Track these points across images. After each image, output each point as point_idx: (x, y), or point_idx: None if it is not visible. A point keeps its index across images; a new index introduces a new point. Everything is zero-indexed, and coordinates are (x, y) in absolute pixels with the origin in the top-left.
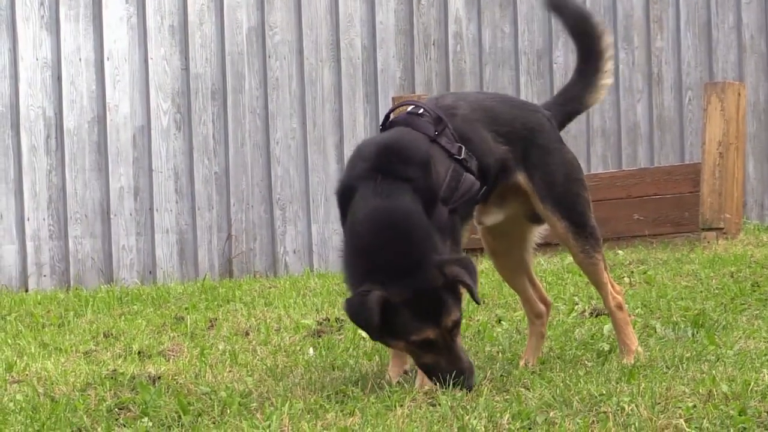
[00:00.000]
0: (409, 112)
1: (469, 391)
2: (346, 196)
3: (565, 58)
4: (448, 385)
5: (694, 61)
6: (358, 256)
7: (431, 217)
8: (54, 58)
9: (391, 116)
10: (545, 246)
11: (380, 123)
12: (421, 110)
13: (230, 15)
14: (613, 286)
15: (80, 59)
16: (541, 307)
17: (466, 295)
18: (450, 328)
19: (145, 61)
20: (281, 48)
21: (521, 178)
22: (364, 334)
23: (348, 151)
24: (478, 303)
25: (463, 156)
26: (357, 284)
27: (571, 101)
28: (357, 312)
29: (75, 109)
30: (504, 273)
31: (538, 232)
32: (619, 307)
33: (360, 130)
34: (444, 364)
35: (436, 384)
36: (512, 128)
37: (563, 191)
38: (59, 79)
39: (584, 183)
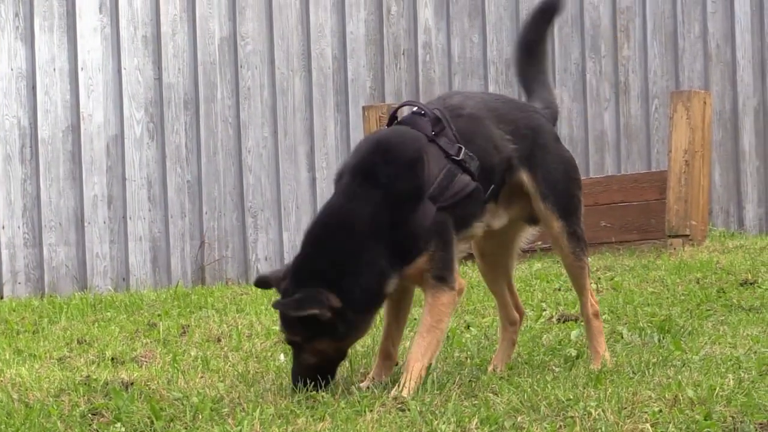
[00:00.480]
0: (413, 112)
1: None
2: (336, 182)
3: None
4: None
5: (661, 70)
6: (301, 249)
7: (406, 217)
8: (29, 68)
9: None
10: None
11: (386, 123)
12: (424, 111)
13: (202, 25)
14: (591, 294)
15: (54, 69)
16: (516, 314)
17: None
18: (290, 341)
19: (119, 71)
20: (253, 58)
21: (525, 176)
22: None
23: (319, 160)
24: (321, 333)
25: (461, 157)
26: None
27: (549, 106)
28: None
29: (49, 118)
30: (487, 276)
31: (526, 237)
32: (596, 315)
33: (331, 140)
34: (292, 365)
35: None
36: (516, 127)
37: (563, 190)
38: (34, 88)
39: (580, 183)
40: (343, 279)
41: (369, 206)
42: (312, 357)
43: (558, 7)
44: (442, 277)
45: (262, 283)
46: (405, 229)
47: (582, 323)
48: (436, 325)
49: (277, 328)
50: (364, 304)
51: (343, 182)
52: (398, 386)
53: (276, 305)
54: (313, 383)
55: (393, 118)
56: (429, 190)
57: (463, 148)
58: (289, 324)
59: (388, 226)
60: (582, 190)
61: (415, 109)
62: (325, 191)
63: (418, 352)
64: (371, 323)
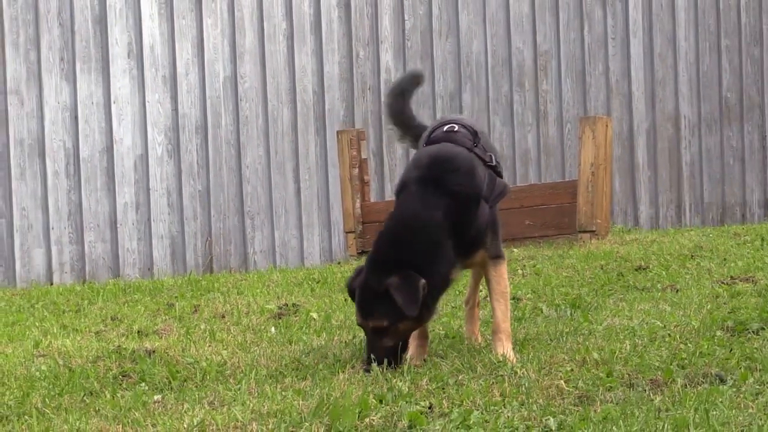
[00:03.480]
0: (445, 131)
1: (366, 372)
2: (398, 192)
3: (470, 98)
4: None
5: (572, 100)
6: (374, 248)
7: (472, 217)
8: (72, 102)
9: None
10: None
11: (424, 141)
12: (457, 128)
13: (210, 67)
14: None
15: (92, 102)
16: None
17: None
18: (371, 328)
19: (143, 104)
20: (250, 93)
21: None
22: (315, 315)
23: (303, 173)
24: (406, 315)
25: (495, 162)
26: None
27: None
28: (347, 284)
29: (88, 141)
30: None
31: None
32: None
33: (312, 157)
34: (365, 346)
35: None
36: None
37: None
38: (76, 118)
39: None
40: (424, 268)
41: (440, 209)
42: (393, 339)
43: (419, 82)
44: (498, 255)
45: (351, 292)
46: (469, 227)
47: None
48: (505, 290)
49: (357, 317)
50: (439, 289)
51: (413, 191)
52: (498, 347)
53: (396, 301)
54: (392, 363)
55: (429, 137)
56: (482, 193)
57: (493, 155)
58: (381, 308)
59: (455, 225)
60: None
61: (446, 128)
62: (307, 198)
63: (503, 315)
64: (439, 306)
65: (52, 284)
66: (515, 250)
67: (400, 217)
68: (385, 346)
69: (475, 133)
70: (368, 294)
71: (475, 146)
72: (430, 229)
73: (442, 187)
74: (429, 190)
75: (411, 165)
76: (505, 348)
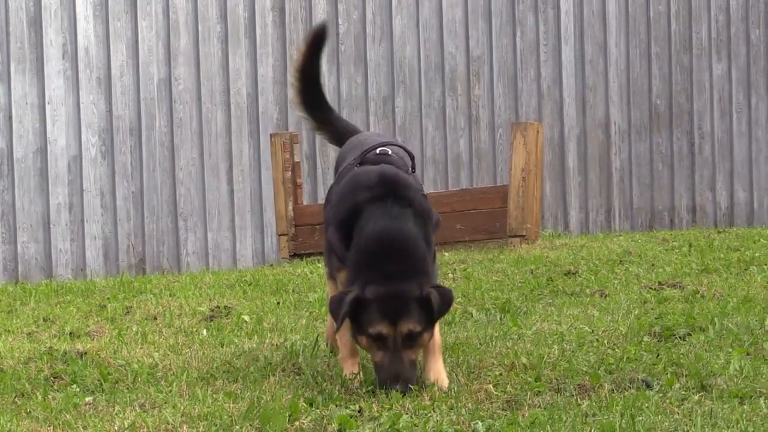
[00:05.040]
0: (378, 153)
1: (403, 395)
2: (351, 217)
3: (403, 102)
4: (384, 386)
5: (504, 105)
6: (360, 266)
7: (427, 236)
8: (6, 103)
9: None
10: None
11: (357, 162)
12: (390, 151)
13: (144, 69)
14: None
15: (27, 103)
16: None
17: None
18: (404, 333)
19: (78, 105)
20: (184, 95)
21: None
22: (247, 317)
23: (236, 175)
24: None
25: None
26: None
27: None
28: (333, 306)
29: (22, 142)
30: None
31: None
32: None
33: (246, 159)
34: (387, 363)
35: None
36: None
37: None
38: (10, 118)
39: None
40: (433, 278)
41: (410, 220)
42: (417, 351)
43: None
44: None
45: (346, 304)
46: (429, 239)
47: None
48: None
49: (380, 326)
50: None
51: (376, 207)
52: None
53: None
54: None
55: (363, 158)
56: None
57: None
58: (417, 312)
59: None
60: None
61: (378, 150)
62: (240, 200)
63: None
64: None
65: None
66: (446, 254)
67: (380, 232)
68: (411, 359)
69: (411, 157)
70: (403, 300)
71: (413, 171)
72: (417, 242)
73: (404, 200)
74: (395, 206)
75: (356, 186)
76: (437, 371)
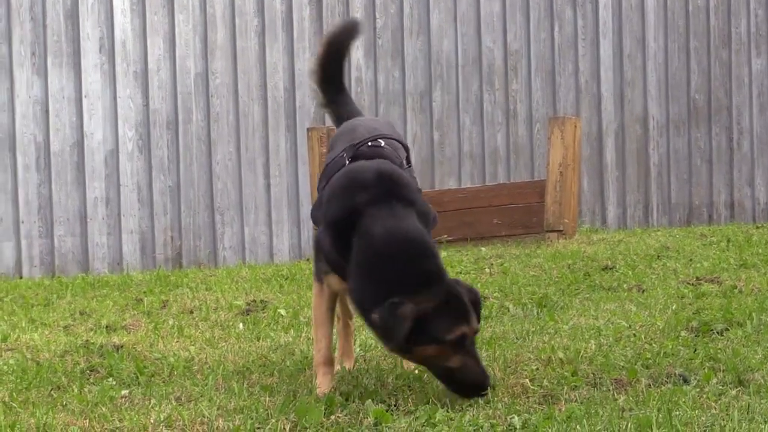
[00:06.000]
0: (371, 146)
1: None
2: (348, 219)
3: (441, 97)
4: (474, 391)
5: (542, 100)
6: (379, 273)
7: (429, 228)
8: (43, 96)
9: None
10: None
11: (349, 156)
12: (383, 143)
13: (181, 63)
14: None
15: (63, 97)
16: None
17: None
18: (477, 329)
19: (114, 99)
20: (221, 89)
21: None
22: (283, 311)
23: (273, 170)
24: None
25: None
26: (380, 298)
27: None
28: (388, 323)
29: (59, 136)
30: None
31: None
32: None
33: (282, 154)
34: (472, 363)
35: (455, 391)
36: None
37: None
38: (47, 112)
39: None
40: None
41: (417, 221)
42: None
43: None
44: None
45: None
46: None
47: None
48: None
49: (472, 326)
50: None
51: (380, 209)
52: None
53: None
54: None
55: (356, 152)
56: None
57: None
58: (475, 312)
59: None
60: None
61: (370, 143)
62: (277, 194)
63: None
64: None
65: (21, 278)
66: (483, 248)
67: (389, 232)
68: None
69: (406, 149)
70: (461, 300)
71: (409, 165)
72: (431, 241)
73: (404, 200)
74: (399, 207)
75: (351, 185)
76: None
